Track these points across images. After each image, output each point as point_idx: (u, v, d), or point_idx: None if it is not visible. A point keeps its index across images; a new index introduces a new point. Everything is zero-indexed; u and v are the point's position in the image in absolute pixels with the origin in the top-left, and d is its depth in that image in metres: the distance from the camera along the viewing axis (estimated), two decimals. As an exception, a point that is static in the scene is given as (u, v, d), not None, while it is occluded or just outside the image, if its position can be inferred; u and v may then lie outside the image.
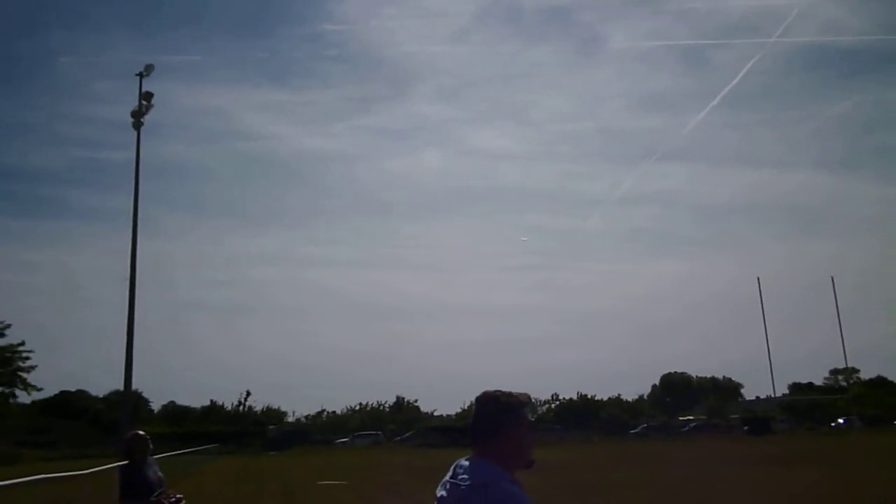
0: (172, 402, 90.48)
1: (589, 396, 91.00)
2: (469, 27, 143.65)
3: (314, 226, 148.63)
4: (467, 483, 2.55)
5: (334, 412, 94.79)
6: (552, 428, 78.57)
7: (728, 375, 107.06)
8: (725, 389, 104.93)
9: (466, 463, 2.63)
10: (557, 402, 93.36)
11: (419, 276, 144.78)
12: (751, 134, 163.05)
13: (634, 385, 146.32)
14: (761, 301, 66.91)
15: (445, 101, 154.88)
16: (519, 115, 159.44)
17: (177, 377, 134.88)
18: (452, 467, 2.66)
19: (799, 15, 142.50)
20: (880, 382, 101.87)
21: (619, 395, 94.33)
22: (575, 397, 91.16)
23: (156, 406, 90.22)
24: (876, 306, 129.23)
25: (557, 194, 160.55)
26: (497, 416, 2.65)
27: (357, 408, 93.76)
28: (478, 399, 2.71)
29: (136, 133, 29.62)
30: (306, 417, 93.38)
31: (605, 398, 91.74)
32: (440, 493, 2.66)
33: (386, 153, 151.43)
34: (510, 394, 2.70)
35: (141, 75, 30.12)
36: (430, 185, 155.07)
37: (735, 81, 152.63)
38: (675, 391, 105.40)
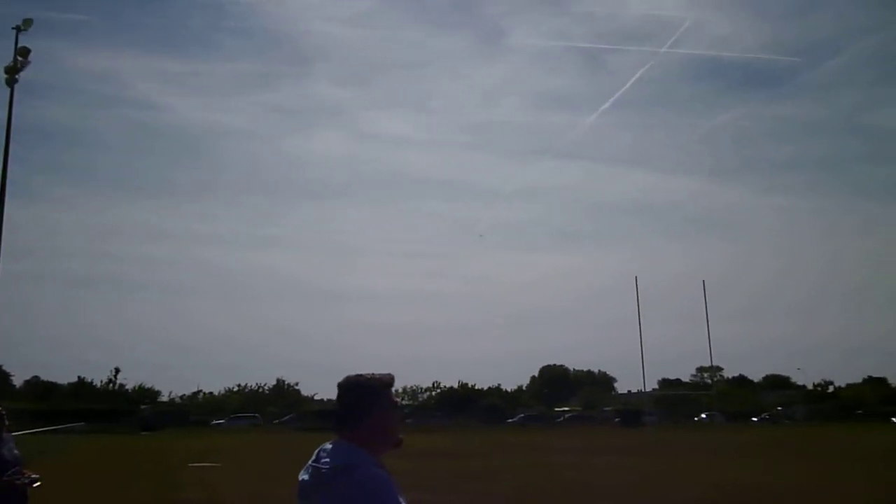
0: (37, 377, 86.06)
1: (470, 385, 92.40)
2: (374, 10, 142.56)
3: (205, 202, 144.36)
4: (328, 466, 2.54)
5: (211, 393, 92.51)
6: (432, 415, 79.46)
7: (604, 369, 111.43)
8: (601, 382, 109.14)
9: (329, 446, 2.62)
10: (438, 390, 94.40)
11: (311, 258, 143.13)
12: (642, 137, 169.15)
13: (515, 376, 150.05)
14: (637, 299, 69.78)
15: (347, 84, 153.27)
16: (420, 102, 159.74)
17: (47, 351, 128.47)
18: (316, 451, 2.65)
19: (690, 27, 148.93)
20: (741, 381, 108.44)
21: (499, 384, 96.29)
22: (456, 386, 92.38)
23: (18, 380, 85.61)
24: (740, 309, 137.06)
25: (455, 184, 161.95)
26: (361, 398, 2.65)
27: (235, 389, 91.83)
28: (340, 384, 2.70)
29: (9, 90, 27.84)
30: (182, 398, 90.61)
31: (486, 388, 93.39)
32: (302, 476, 2.64)
33: (284, 132, 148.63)
34: (373, 376, 2.70)
35: (18, 29, 28.28)
36: (327, 167, 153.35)
37: (626, 86, 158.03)
38: (554, 383, 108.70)
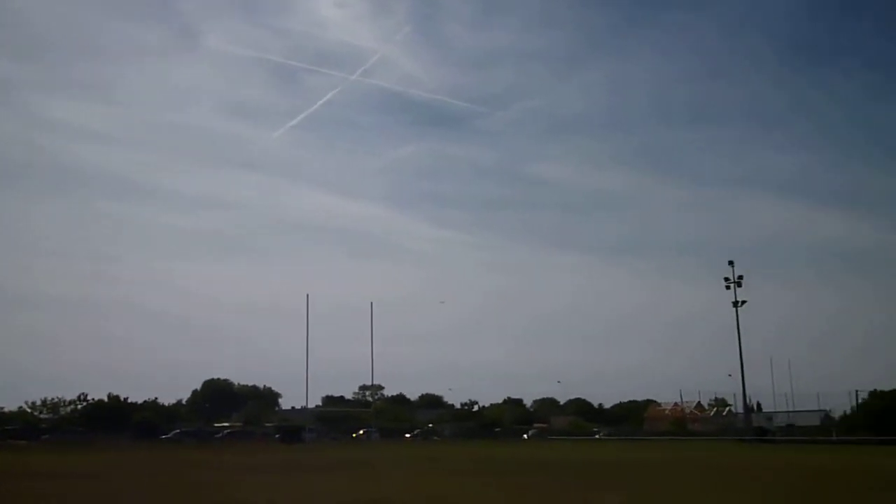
0: None
1: (122, 398, 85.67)
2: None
3: None
4: None
5: None
6: (74, 431, 72.47)
7: (270, 384, 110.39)
8: (265, 398, 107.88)
9: None
10: (85, 403, 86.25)
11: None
12: (326, 158, 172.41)
13: (175, 389, 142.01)
14: (307, 315, 70.23)
15: (20, 60, 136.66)
16: (105, 92, 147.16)
17: None
18: None
19: (381, 61, 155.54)
20: (400, 399, 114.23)
21: (156, 398, 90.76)
22: (106, 398, 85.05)
23: None
24: (405, 331, 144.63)
25: (133, 184, 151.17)
26: None
27: None
28: None
29: None
30: None
31: (141, 401, 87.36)
32: None
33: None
34: None
35: None
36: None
37: (316, 106, 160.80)
38: (217, 397, 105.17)
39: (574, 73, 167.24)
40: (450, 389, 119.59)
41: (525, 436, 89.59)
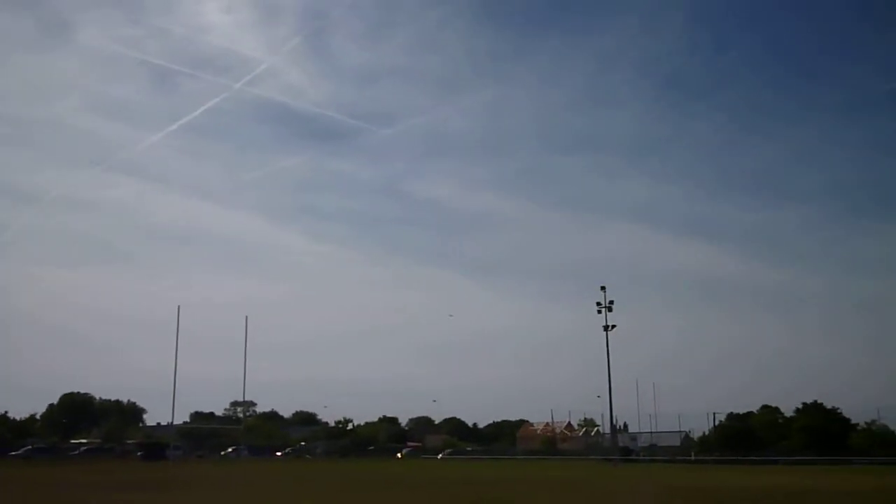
0: None
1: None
2: None
3: None
4: None
5: None
6: None
7: (133, 399, 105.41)
8: (129, 413, 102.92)
9: None
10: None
11: None
12: (203, 166, 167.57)
13: (28, 403, 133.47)
14: (177, 327, 67.60)
15: None
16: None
17: None
18: None
19: (266, 71, 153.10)
20: (272, 416, 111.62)
21: (6, 412, 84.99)
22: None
23: None
24: (281, 346, 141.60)
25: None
26: None
27: None
28: None
29: None
30: None
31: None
32: None
33: None
34: None
35: None
36: None
37: (196, 113, 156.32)
38: (75, 412, 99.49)
39: (458, 95, 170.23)
40: (325, 407, 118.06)
41: (399, 454, 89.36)
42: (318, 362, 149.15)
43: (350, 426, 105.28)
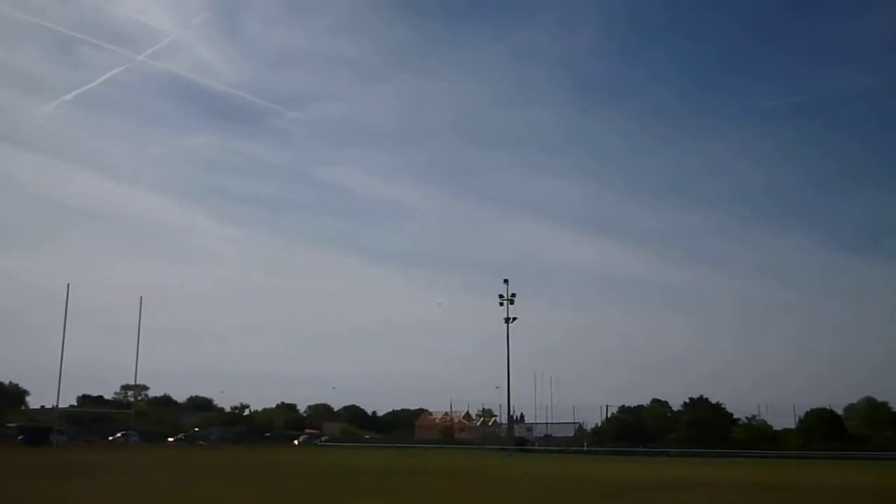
0: None
1: None
2: None
3: None
4: None
5: None
6: None
7: (15, 381, 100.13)
8: (10, 395, 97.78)
9: None
10: None
11: None
12: (102, 140, 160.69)
13: None
14: (66, 308, 64.42)
15: None
16: None
17: None
18: None
19: (173, 45, 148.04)
20: (166, 401, 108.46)
21: None
22: None
23: None
24: (179, 332, 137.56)
25: None
26: None
27: None
28: None
29: None
30: None
31: None
32: None
33: None
34: None
35: None
36: None
37: (96, 83, 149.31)
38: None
39: (374, 84, 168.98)
40: (221, 392, 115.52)
41: (296, 441, 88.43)
42: (218, 348, 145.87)
43: (247, 412, 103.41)
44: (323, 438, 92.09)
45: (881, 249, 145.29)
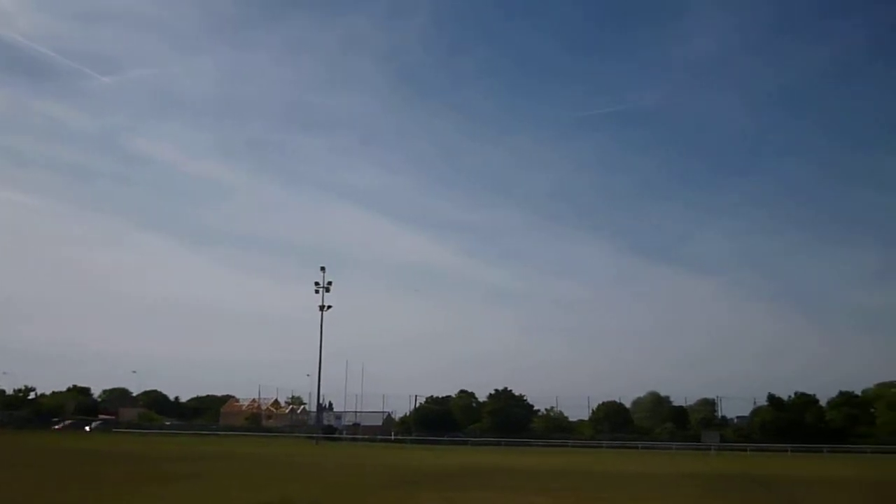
0: None
1: None
2: None
3: None
4: None
5: None
6: None
7: None
8: None
9: None
10: None
11: None
12: None
13: None
14: None
15: None
16: None
17: None
18: None
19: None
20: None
21: None
22: None
23: None
24: None
25: None
26: None
27: None
28: None
29: None
30: None
31: None
32: None
33: None
34: None
35: None
36: None
37: None
38: None
39: (193, 54, 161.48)
40: (4, 374, 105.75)
41: (87, 428, 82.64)
42: (6, 325, 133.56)
43: (32, 395, 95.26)
44: (103, 423, 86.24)
45: (671, 256, 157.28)
